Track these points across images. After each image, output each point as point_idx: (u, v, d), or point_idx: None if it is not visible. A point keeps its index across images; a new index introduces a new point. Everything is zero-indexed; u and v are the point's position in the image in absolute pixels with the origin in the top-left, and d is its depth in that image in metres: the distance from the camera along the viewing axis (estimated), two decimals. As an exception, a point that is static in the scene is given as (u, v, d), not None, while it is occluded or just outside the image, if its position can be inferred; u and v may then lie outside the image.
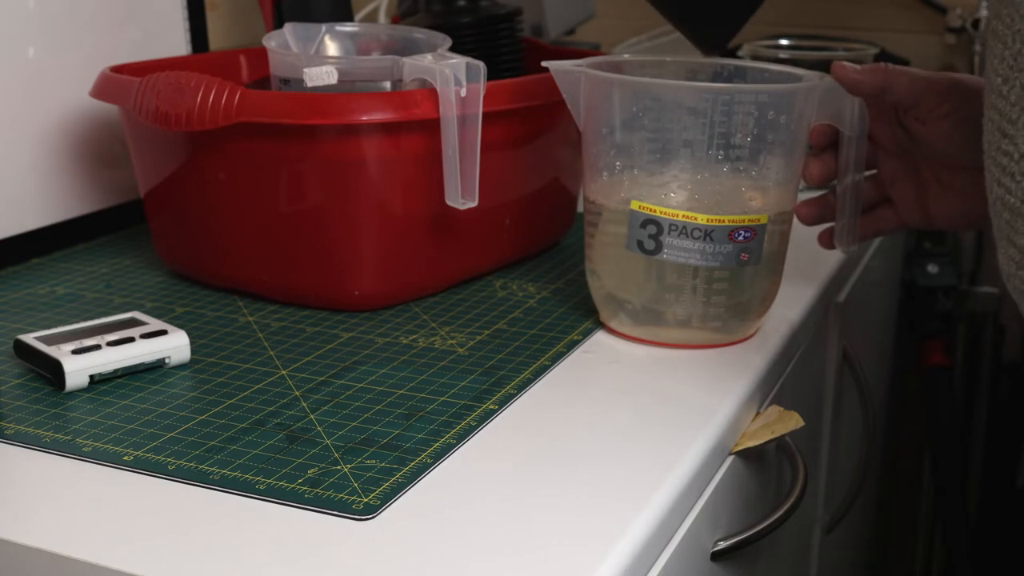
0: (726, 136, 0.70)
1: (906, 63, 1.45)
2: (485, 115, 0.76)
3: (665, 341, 0.75)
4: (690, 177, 0.72)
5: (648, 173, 0.72)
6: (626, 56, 0.81)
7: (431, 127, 0.76)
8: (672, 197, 0.71)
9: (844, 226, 0.78)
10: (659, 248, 0.71)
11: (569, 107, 0.74)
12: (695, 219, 0.70)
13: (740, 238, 0.71)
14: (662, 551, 0.57)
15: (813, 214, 0.79)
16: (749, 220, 0.71)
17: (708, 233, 0.70)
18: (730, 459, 0.67)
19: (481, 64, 0.76)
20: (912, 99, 0.72)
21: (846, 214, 0.77)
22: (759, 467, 0.74)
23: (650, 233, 0.71)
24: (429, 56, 0.80)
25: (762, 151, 0.72)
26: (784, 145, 0.72)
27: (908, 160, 0.76)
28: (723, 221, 0.70)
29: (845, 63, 0.74)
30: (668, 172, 0.72)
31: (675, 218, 0.70)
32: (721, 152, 0.71)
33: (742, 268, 0.72)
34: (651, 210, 0.70)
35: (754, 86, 0.73)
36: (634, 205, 0.71)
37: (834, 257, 0.93)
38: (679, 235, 0.70)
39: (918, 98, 0.72)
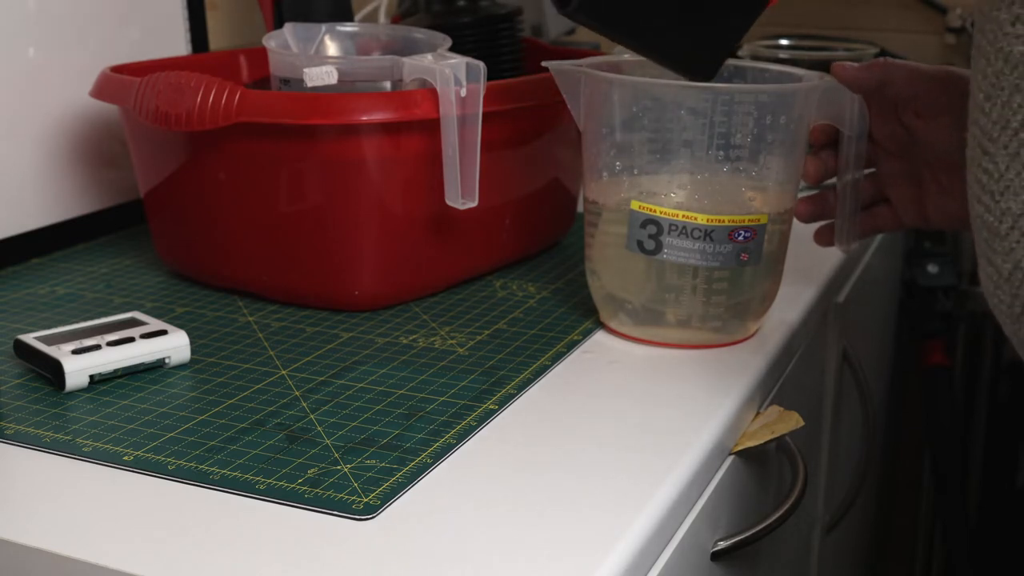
0: (726, 136, 0.70)
1: (906, 63, 1.45)
2: (485, 115, 0.76)
3: (665, 341, 0.75)
4: (690, 177, 0.72)
5: (648, 173, 0.72)
6: (626, 56, 0.81)
7: (431, 127, 0.76)
8: (672, 197, 0.71)
9: (843, 225, 0.78)
10: (659, 248, 0.71)
11: (569, 107, 0.74)
12: (695, 219, 0.70)
13: (740, 238, 0.71)
14: (662, 551, 0.57)
15: (810, 211, 0.79)
16: (749, 220, 0.71)
17: (708, 233, 0.70)
18: (730, 459, 0.67)
19: (481, 64, 0.76)
20: (911, 91, 0.73)
21: (845, 213, 0.77)
22: (759, 467, 0.74)
23: (650, 233, 0.71)
24: (429, 56, 0.80)
25: (762, 151, 0.72)
26: (784, 145, 0.72)
27: (907, 160, 0.76)
28: (723, 221, 0.70)
29: (844, 63, 0.74)
30: (668, 172, 0.72)
31: (675, 218, 0.70)
32: (721, 152, 0.71)
33: (742, 268, 0.72)
34: (651, 210, 0.70)
35: (754, 86, 0.73)
36: (634, 205, 0.71)
37: (834, 257, 0.93)
38: (679, 235, 0.70)
39: (916, 90, 0.73)
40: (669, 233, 0.70)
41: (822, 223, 0.80)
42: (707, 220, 0.70)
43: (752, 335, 0.77)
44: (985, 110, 0.47)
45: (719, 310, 0.73)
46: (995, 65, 0.46)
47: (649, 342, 0.75)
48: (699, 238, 0.70)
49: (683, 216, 0.70)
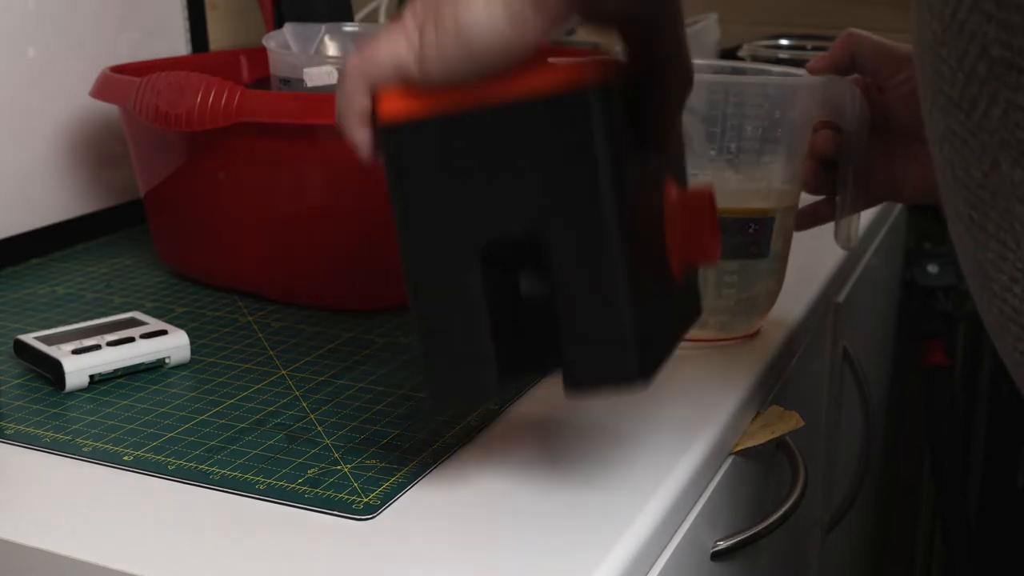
0: (728, 134, 0.71)
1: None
2: (485, 115, 0.76)
3: None
4: (693, 175, 0.72)
5: None
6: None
7: (431, 127, 0.76)
8: None
9: (843, 221, 0.78)
10: None
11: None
12: None
13: (750, 230, 0.71)
14: (662, 551, 0.57)
15: (816, 180, 0.79)
16: (758, 212, 0.71)
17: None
18: (730, 459, 0.67)
19: (481, 64, 0.76)
20: (873, 62, 0.75)
21: (845, 209, 0.78)
22: (759, 467, 0.74)
23: None
24: (429, 56, 0.80)
25: (765, 149, 0.72)
26: (786, 143, 0.72)
27: (876, 138, 0.77)
28: (734, 213, 0.71)
29: (814, 58, 0.77)
30: None
31: None
32: (723, 150, 0.71)
33: (751, 261, 0.72)
34: None
35: (757, 78, 0.73)
36: None
37: (834, 257, 0.93)
38: None
39: (879, 62, 0.75)
40: None
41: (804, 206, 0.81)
42: (720, 212, 0.70)
43: (755, 333, 0.77)
44: (1015, 292, 0.47)
45: (728, 303, 0.73)
46: (1019, 252, 0.46)
47: None
48: None
49: None
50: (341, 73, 0.52)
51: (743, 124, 0.70)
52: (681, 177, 0.60)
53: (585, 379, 0.50)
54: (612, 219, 0.48)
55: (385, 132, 0.50)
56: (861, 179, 0.77)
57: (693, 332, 0.74)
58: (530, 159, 0.48)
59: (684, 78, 0.54)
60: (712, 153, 0.71)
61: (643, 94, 0.52)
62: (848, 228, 0.78)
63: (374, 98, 0.50)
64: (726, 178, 0.72)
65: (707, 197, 0.56)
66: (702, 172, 0.71)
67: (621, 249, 0.48)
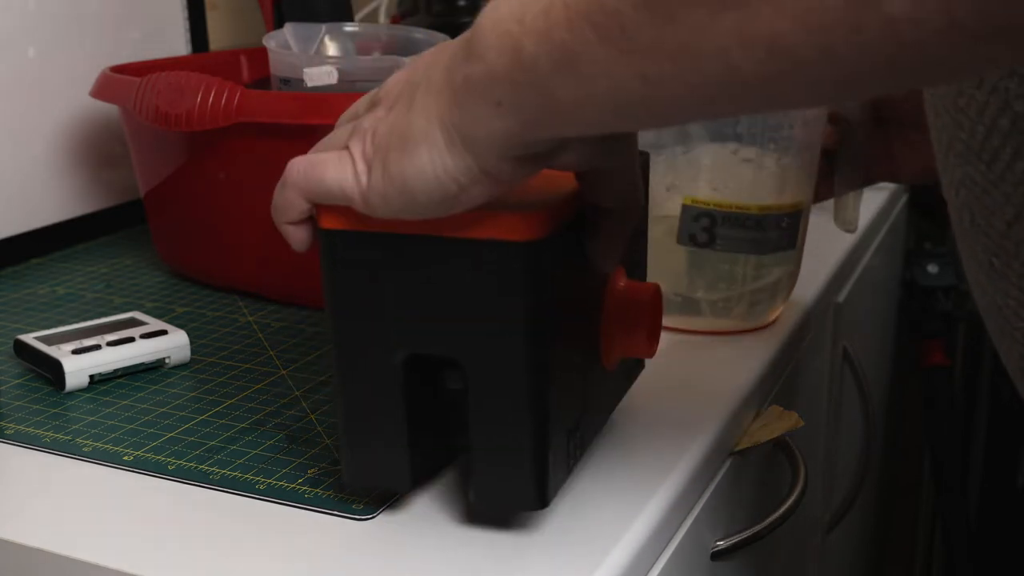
0: (766, 134, 0.71)
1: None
2: (485, 115, 0.76)
3: (695, 328, 0.75)
4: (710, 169, 0.72)
5: (673, 169, 0.73)
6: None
7: (431, 127, 0.76)
8: (700, 192, 0.72)
9: (846, 204, 0.79)
10: (712, 240, 0.72)
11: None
12: (748, 209, 0.71)
13: (784, 224, 0.72)
14: (662, 551, 0.57)
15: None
16: (791, 207, 0.72)
17: (759, 222, 0.71)
18: (730, 459, 0.67)
19: (481, 64, 0.76)
20: None
21: (843, 190, 0.79)
22: (759, 467, 0.74)
23: (703, 226, 0.72)
24: (429, 56, 0.80)
25: (794, 145, 0.72)
26: (810, 137, 0.73)
27: (876, 121, 0.78)
28: (771, 209, 0.72)
29: None
30: (690, 168, 0.73)
31: (729, 210, 0.71)
32: (765, 148, 0.71)
33: (783, 254, 0.74)
34: (705, 204, 0.71)
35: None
36: (687, 200, 0.72)
37: (834, 257, 0.93)
38: (732, 226, 0.71)
39: None
40: (723, 224, 0.71)
41: None
42: (759, 210, 0.71)
43: (772, 322, 0.77)
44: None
45: (757, 295, 0.74)
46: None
47: (676, 329, 0.76)
48: (751, 227, 0.71)
49: (736, 208, 0.71)
50: (285, 174, 0.52)
51: (781, 123, 0.71)
52: (634, 267, 0.60)
53: (487, 499, 0.51)
54: (530, 369, 0.48)
55: (324, 233, 0.51)
56: (860, 163, 0.78)
57: (711, 323, 0.75)
58: (458, 293, 0.49)
59: (633, 211, 0.52)
60: (727, 147, 0.71)
61: (591, 220, 0.52)
62: (847, 211, 0.79)
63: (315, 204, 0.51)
64: (764, 176, 0.72)
65: (653, 291, 0.56)
66: (721, 167, 0.72)
67: (536, 394, 0.49)
